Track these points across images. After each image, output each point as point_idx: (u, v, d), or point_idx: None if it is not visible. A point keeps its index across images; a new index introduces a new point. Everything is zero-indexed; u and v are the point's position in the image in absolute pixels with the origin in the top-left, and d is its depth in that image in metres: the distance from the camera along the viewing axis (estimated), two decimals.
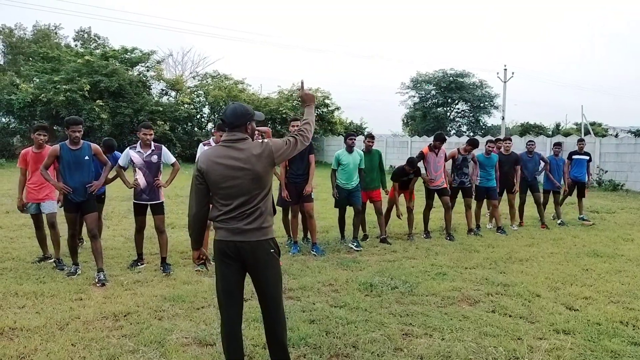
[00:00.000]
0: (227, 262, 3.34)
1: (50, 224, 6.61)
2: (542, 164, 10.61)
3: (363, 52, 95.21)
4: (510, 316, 4.95)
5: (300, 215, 7.87)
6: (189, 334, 4.38)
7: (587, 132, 36.73)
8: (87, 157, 6.09)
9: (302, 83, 3.86)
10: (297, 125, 7.24)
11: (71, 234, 6.26)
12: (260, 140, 3.43)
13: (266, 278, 3.38)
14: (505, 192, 9.96)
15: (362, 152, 8.36)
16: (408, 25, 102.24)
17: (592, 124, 43.25)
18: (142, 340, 4.20)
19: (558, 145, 11.09)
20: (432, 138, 9.33)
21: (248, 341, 4.15)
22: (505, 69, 38.52)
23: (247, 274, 3.43)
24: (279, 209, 7.41)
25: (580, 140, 11.37)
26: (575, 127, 46.57)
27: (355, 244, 7.97)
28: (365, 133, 9.03)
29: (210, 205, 3.44)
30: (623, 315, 4.96)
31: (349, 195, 8.16)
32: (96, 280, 5.87)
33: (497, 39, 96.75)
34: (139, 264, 6.68)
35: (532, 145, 10.41)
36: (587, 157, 11.43)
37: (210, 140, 6.93)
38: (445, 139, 9.02)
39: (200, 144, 6.97)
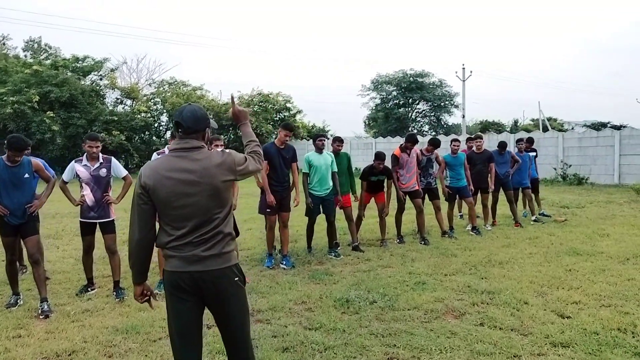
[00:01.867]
0: (182, 297, 2.75)
1: None
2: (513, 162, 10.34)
3: (322, 54, 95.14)
4: (500, 329, 4.54)
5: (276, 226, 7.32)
6: None
7: (544, 127, 37.40)
8: (27, 175, 5.39)
9: (232, 98, 3.32)
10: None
11: (9, 260, 5.56)
12: (220, 150, 2.91)
13: (231, 312, 2.82)
14: (479, 191, 9.64)
15: (332, 154, 7.89)
16: (366, 25, 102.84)
17: (549, 119, 44.12)
18: None
19: (521, 141, 10.86)
20: (396, 139, 8.95)
21: None
22: (464, 68, 38.88)
23: (206, 307, 2.87)
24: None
25: (519, 141, 11.00)
26: (532, 122, 47.46)
27: (334, 254, 7.51)
28: (331, 136, 8.49)
29: (157, 229, 2.87)
30: (619, 322, 4.61)
31: (322, 203, 7.66)
32: (39, 311, 5.20)
33: (454, 38, 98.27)
34: (89, 289, 6.03)
35: (504, 143, 10.17)
36: (534, 154, 11.23)
37: (165, 149, 6.32)
38: (417, 140, 8.60)
39: (154, 154, 6.35)
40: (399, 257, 7.50)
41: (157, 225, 2.87)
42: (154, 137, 30.49)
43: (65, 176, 5.94)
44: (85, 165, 5.90)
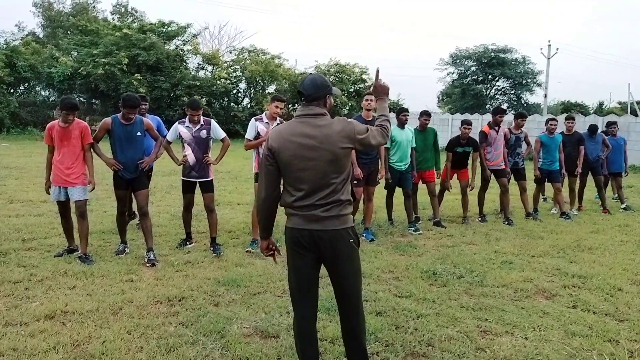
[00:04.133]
0: (301, 253, 2.97)
1: (80, 213, 5.70)
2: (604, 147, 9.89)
3: (399, 25, 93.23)
4: (595, 313, 4.51)
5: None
6: (249, 323, 4.08)
7: (633, 111, 35.24)
8: (139, 133, 5.79)
9: (377, 72, 3.34)
10: (370, 100, 6.93)
11: (120, 211, 6.04)
12: (342, 118, 3.04)
13: (345, 271, 2.99)
14: (567, 174, 9.35)
15: (413, 130, 7.89)
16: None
17: (638, 102, 41.49)
18: (201, 329, 3.92)
19: (613, 124, 10.34)
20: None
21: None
22: (550, 45, 37.07)
23: (323, 265, 3.06)
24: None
25: (611, 124, 10.28)
26: (619, 106, 44.82)
27: (413, 228, 7.56)
28: (420, 111, 8.44)
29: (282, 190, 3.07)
30: None
31: (400, 177, 7.71)
32: (146, 260, 5.64)
33: (541, 14, 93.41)
34: (187, 243, 6.44)
35: (595, 127, 9.75)
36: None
37: (263, 115, 6.56)
38: (506, 111, 8.42)
39: (252, 119, 6.60)
40: (482, 235, 7.47)
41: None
42: (233, 104, 31.20)
43: (169, 136, 6.31)
44: (188, 126, 6.22)
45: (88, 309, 4.26)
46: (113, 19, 39.47)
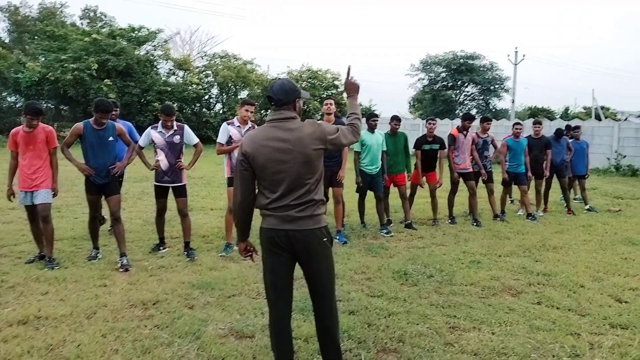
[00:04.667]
0: (277, 252, 3.06)
1: (43, 217, 5.66)
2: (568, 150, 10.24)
3: (373, 33, 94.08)
4: (558, 308, 4.69)
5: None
6: (224, 324, 4.14)
7: (598, 116, 36.28)
8: (111, 138, 5.80)
9: (348, 69, 3.38)
10: (330, 104, 7.07)
11: (92, 217, 6.03)
12: (312, 120, 3.14)
13: (319, 269, 3.11)
14: (534, 177, 9.63)
15: (383, 134, 8.05)
16: (419, 6, 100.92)
17: (602, 107, 42.71)
18: (176, 331, 3.97)
19: (577, 129, 10.73)
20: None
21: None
22: (517, 51, 37.93)
23: (298, 264, 3.16)
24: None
25: (575, 128, 10.73)
26: (584, 111, 46.04)
27: (385, 230, 7.70)
28: (391, 116, 8.62)
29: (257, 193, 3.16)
30: None
31: (371, 181, 7.87)
32: (119, 265, 5.63)
33: (508, 21, 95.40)
34: (160, 248, 6.45)
35: (561, 131, 10.10)
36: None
37: (235, 119, 6.63)
38: (474, 117, 8.70)
39: (224, 124, 6.67)
40: (452, 236, 7.66)
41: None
42: (204, 109, 31.09)
43: (142, 142, 6.31)
44: (161, 131, 6.24)
45: (62, 314, 4.26)
46: (82, 24, 38.97)
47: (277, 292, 3.12)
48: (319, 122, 3.15)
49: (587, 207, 10.27)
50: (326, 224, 3.14)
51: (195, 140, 6.46)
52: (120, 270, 5.54)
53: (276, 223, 3.03)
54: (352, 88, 3.35)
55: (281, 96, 3.03)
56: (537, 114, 41.00)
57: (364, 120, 6.43)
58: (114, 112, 6.50)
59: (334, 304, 3.20)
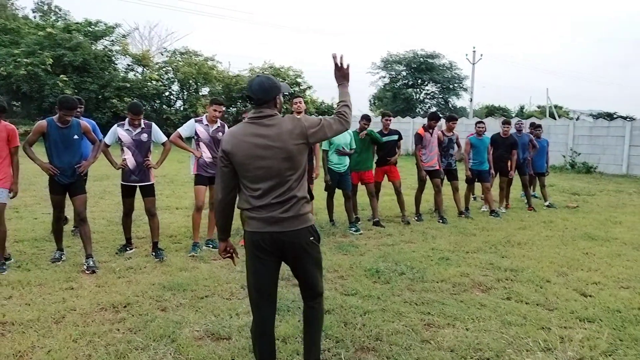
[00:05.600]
0: (261, 256, 2.99)
1: None
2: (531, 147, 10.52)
3: (332, 29, 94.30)
4: (527, 303, 4.81)
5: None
6: (199, 327, 4.06)
7: (551, 115, 37.42)
8: (76, 136, 5.61)
9: (335, 57, 3.20)
10: (299, 103, 7.03)
11: (57, 217, 5.82)
12: (292, 115, 3.08)
13: (307, 267, 3.10)
14: (499, 174, 9.85)
15: (352, 132, 8.08)
16: (379, 3, 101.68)
17: (556, 106, 44.09)
18: (150, 334, 3.87)
19: (538, 127, 11.06)
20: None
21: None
22: (474, 51, 38.69)
23: (284, 262, 3.12)
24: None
25: (536, 127, 11.11)
26: (538, 109, 47.42)
27: (354, 228, 7.73)
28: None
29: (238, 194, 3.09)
30: None
31: (339, 179, 7.90)
32: (85, 267, 5.47)
33: (466, 19, 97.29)
34: (127, 248, 6.29)
35: (521, 124, 10.37)
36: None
37: (203, 117, 6.54)
38: (440, 118, 8.85)
39: (192, 120, 6.59)
40: (419, 233, 7.76)
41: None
42: (165, 106, 30.54)
43: (108, 139, 6.13)
44: (127, 129, 6.08)
45: (28, 319, 4.10)
46: (35, 17, 37.58)
47: (262, 296, 3.06)
48: (299, 116, 3.07)
49: (546, 203, 10.58)
50: (313, 223, 3.10)
51: (164, 138, 6.33)
52: (87, 272, 5.38)
53: (260, 226, 2.96)
54: (343, 76, 3.22)
55: (260, 95, 2.97)
56: (493, 112, 41.99)
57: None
58: (78, 110, 6.30)
59: (322, 288, 3.25)
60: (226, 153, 2.98)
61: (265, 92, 2.97)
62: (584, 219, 9.30)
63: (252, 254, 3.02)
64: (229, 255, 3.23)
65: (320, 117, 3.13)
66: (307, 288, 3.19)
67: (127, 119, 6.10)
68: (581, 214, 9.77)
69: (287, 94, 3.24)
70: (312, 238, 3.05)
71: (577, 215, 9.69)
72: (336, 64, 3.22)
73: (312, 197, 3.20)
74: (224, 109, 6.55)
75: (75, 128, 5.61)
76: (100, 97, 26.50)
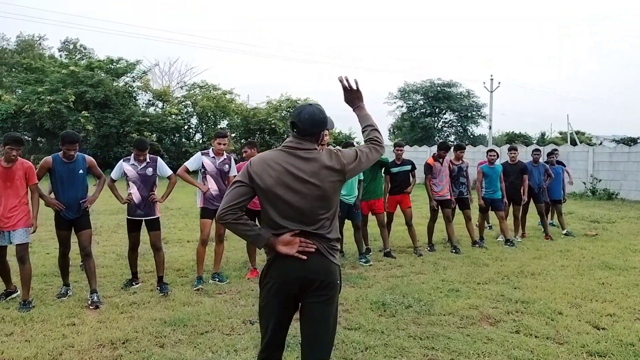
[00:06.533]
0: (281, 301, 2.72)
1: (20, 257, 5.37)
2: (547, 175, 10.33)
3: (350, 62, 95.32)
4: (536, 337, 4.64)
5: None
6: None
7: (573, 141, 36.98)
8: (81, 171, 5.67)
9: (345, 79, 3.02)
10: (325, 136, 6.92)
11: (62, 252, 5.86)
12: (329, 149, 2.81)
13: (320, 318, 2.73)
14: (511, 203, 9.68)
15: None
16: (397, 35, 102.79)
17: (577, 132, 43.63)
18: None
19: (551, 154, 10.89)
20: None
21: None
22: (492, 79, 38.56)
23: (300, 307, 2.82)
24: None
25: (551, 154, 10.92)
26: (560, 136, 46.98)
27: (364, 260, 7.63)
28: (357, 143, 8.67)
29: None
30: None
31: (349, 210, 7.83)
32: (89, 302, 5.46)
33: (483, 49, 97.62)
34: (133, 283, 6.28)
35: (538, 154, 10.20)
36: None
37: (210, 150, 6.58)
38: (450, 147, 8.78)
39: (198, 153, 6.64)
40: (430, 264, 7.61)
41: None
42: (184, 139, 31.00)
43: (114, 174, 6.21)
44: (133, 164, 6.15)
45: (25, 356, 4.09)
46: (60, 56, 38.83)
47: (275, 339, 2.82)
48: (336, 150, 2.82)
49: (564, 232, 10.33)
50: (339, 264, 2.84)
51: (169, 172, 6.38)
52: (91, 307, 5.37)
53: (285, 271, 2.68)
54: (356, 97, 3.03)
55: (308, 126, 2.71)
56: (514, 139, 41.71)
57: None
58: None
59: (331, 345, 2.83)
60: (251, 175, 2.69)
61: (314, 125, 2.74)
62: (602, 247, 9.04)
63: (271, 297, 2.75)
64: (299, 246, 2.68)
65: (354, 148, 2.89)
66: (311, 349, 2.74)
67: (132, 154, 6.17)
68: (600, 242, 9.51)
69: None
70: (338, 281, 2.78)
71: (596, 243, 9.43)
72: (344, 87, 3.04)
73: (342, 236, 2.83)
74: (227, 141, 6.59)
75: (80, 163, 5.68)
76: (121, 131, 27.01)
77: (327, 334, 2.76)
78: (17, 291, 5.73)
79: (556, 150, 11.11)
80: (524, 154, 13.87)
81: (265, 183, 2.66)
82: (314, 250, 2.68)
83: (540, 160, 10.34)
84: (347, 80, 3.03)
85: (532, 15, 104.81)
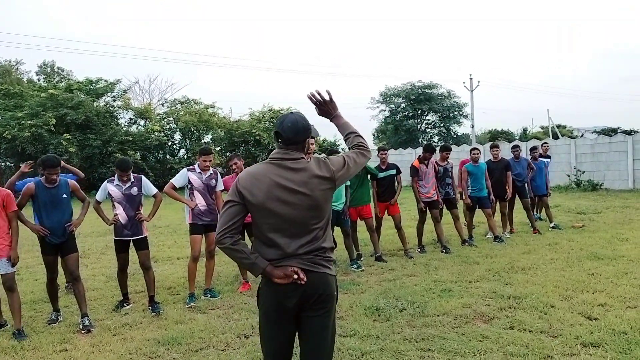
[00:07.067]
0: (280, 321, 2.69)
1: (8, 287, 5.26)
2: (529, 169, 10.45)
3: (330, 69, 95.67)
4: (530, 332, 4.67)
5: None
6: None
7: (554, 135, 37.39)
8: (65, 195, 5.61)
9: (314, 93, 3.01)
10: (311, 144, 6.96)
11: (50, 278, 5.78)
12: (317, 157, 2.80)
13: (323, 324, 2.72)
14: (498, 199, 9.75)
15: None
16: (373, 39, 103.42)
17: (558, 126, 44.13)
18: None
19: (535, 149, 10.99)
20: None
21: None
22: (471, 78, 38.95)
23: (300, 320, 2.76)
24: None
25: (533, 149, 10.95)
26: (542, 130, 47.47)
27: (355, 266, 7.63)
28: (342, 150, 8.69)
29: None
30: None
31: (337, 217, 7.83)
32: (81, 326, 5.39)
33: (461, 48, 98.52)
34: (124, 304, 6.21)
35: (518, 150, 10.31)
36: (549, 160, 11.39)
37: (196, 166, 6.56)
38: (435, 149, 8.83)
39: (184, 169, 6.61)
40: (422, 266, 7.63)
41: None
42: (168, 156, 30.82)
43: (99, 196, 6.16)
44: (117, 185, 6.11)
45: None
46: (39, 80, 38.51)
47: (281, 356, 2.77)
48: (324, 159, 2.81)
49: (551, 225, 10.42)
50: (335, 275, 2.82)
51: (154, 190, 6.33)
52: (82, 331, 5.30)
53: (284, 286, 2.63)
54: (331, 107, 3.02)
55: (291, 134, 2.69)
56: (497, 136, 42.11)
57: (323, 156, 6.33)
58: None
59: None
60: (241, 192, 2.66)
61: (297, 133, 2.71)
62: (590, 238, 9.13)
63: (269, 318, 2.72)
64: (292, 274, 2.64)
65: (341, 154, 2.86)
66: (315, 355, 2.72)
67: (116, 175, 6.13)
68: (587, 234, 9.61)
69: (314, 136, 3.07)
70: (335, 292, 2.76)
71: (583, 234, 9.53)
72: (316, 102, 3.02)
73: (336, 245, 2.80)
74: (212, 158, 6.57)
75: (63, 187, 5.62)
76: (104, 152, 26.79)
77: (327, 346, 2.74)
78: (7, 324, 5.64)
79: (536, 147, 11.13)
80: (507, 151, 13.98)
81: (255, 198, 2.64)
82: (304, 282, 2.63)
83: (522, 155, 10.44)
84: (318, 94, 3.02)
85: (506, 15, 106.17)
